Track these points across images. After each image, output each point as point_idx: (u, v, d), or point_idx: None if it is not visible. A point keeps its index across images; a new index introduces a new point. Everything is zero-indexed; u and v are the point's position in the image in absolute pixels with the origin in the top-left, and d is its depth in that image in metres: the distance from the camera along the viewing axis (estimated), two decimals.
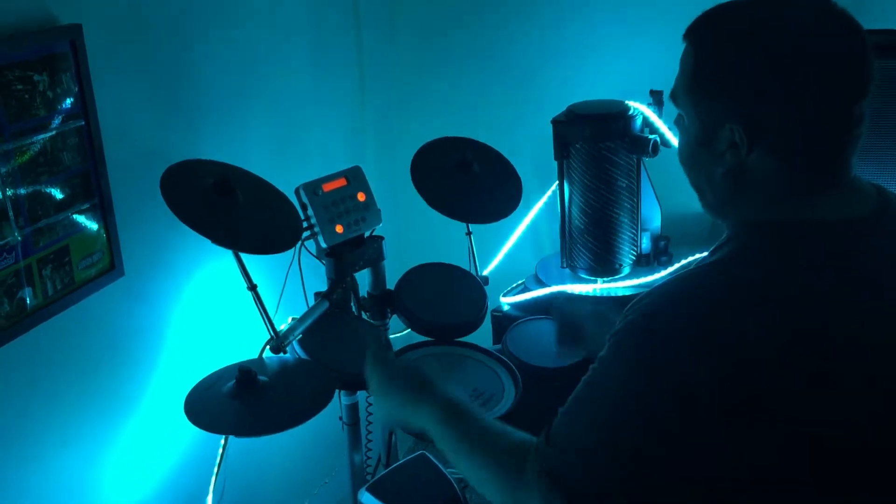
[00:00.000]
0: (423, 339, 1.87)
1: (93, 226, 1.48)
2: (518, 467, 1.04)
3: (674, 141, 2.10)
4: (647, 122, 2.07)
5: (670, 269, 2.14)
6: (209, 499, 1.61)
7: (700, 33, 1.03)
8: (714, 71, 0.99)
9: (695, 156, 1.06)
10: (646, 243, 2.18)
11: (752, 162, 0.99)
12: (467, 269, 1.99)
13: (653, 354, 0.94)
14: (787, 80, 0.94)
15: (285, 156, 2.07)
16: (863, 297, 0.96)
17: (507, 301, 2.18)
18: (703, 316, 0.94)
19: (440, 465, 1.72)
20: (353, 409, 1.82)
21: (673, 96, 1.08)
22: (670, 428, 0.92)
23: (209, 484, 1.60)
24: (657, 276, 2.12)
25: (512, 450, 1.07)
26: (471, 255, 2.00)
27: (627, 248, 2.13)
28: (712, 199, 1.08)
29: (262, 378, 1.47)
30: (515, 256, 2.33)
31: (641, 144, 2.00)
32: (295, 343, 1.62)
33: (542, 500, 1.00)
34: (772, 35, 0.96)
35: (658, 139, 2.01)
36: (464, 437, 1.12)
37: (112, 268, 1.53)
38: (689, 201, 2.48)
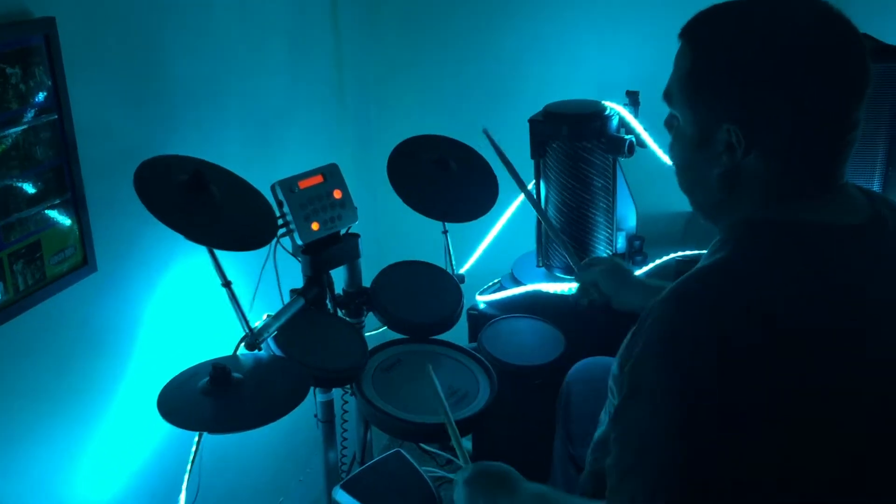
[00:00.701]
0: (398, 336, 1.87)
1: (65, 221, 1.47)
2: None
3: (649, 141, 2.12)
4: (623, 123, 2.09)
5: (645, 269, 2.16)
6: (182, 496, 1.60)
7: (697, 32, 1.01)
8: (713, 70, 0.98)
9: (689, 158, 1.05)
10: (621, 243, 2.20)
11: (748, 164, 0.98)
12: (443, 267, 2.00)
13: (672, 380, 0.92)
14: (787, 80, 0.94)
15: (261, 152, 2.07)
16: (863, 299, 0.96)
17: (482, 299, 2.19)
18: (709, 318, 0.93)
19: (415, 463, 1.72)
20: (328, 406, 1.82)
21: (667, 96, 1.06)
22: (687, 434, 0.90)
23: (182, 481, 1.59)
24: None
25: None
26: (447, 253, 2.00)
27: (603, 248, 2.15)
28: (705, 201, 1.06)
29: (236, 375, 1.47)
30: (491, 255, 2.34)
31: (617, 144, 2.01)
32: (270, 340, 1.61)
33: None
34: (772, 35, 0.95)
35: (634, 139, 2.03)
36: None
37: (84, 263, 1.52)
38: (664, 201, 2.52)
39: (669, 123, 1.09)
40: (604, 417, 1.24)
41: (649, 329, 0.96)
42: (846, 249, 0.98)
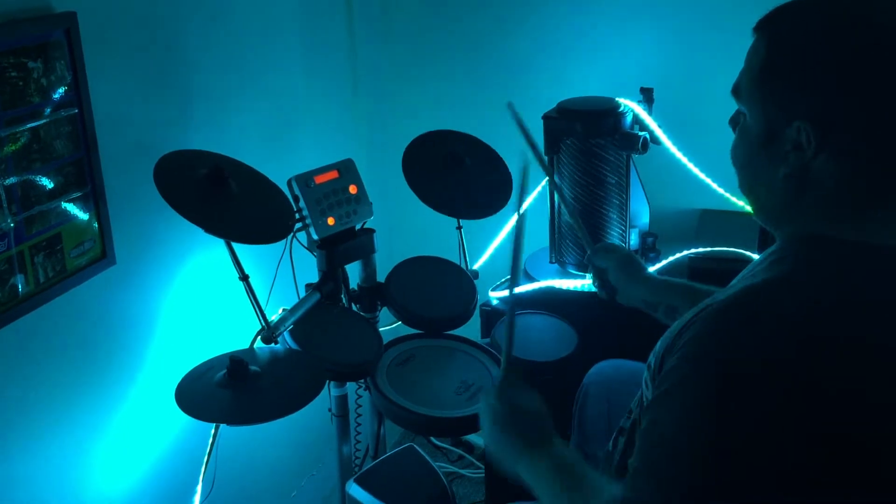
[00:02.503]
0: (412, 331, 1.88)
1: (85, 214, 1.48)
2: None
3: (663, 138, 2.12)
4: (636, 120, 2.09)
5: (658, 266, 2.16)
6: (199, 487, 1.61)
7: (776, 26, 0.99)
8: (789, 64, 0.96)
9: (754, 156, 1.01)
10: (634, 240, 2.20)
11: (818, 166, 0.95)
12: (457, 263, 2.01)
13: (728, 385, 0.89)
14: (867, 79, 0.92)
15: (278, 148, 2.08)
16: None
17: (496, 295, 2.20)
18: (772, 338, 0.89)
19: (428, 458, 1.74)
20: (343, 400, 1.83)
21: (735, 91, 1.03)
22: (752, 449, 0.87)
23: (199, 473, 1.61)
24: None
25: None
26: (461, 249, 2.01)
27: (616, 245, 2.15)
28: (768, 205, 1.03)
29: (253, 368, 1.48)
30: (505, 251, 2.35)
31: (631, 141, 2.01)
32: (286, 334, 1.63)
33: None
34: (853, 32, 0.93)
35: (648, 136, 2.03)
36: (564, 490, 1.06)
37: (104, 256, 1.53)
38: (678, 198, 2.52)
39: (735, 121, 1.06)
40: (634, 406, 1.23)
41: (698, 337, 0.93)
42: None
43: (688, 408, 0.91)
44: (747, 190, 1.07)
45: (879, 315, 0.92)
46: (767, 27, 1.00)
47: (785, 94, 0.96)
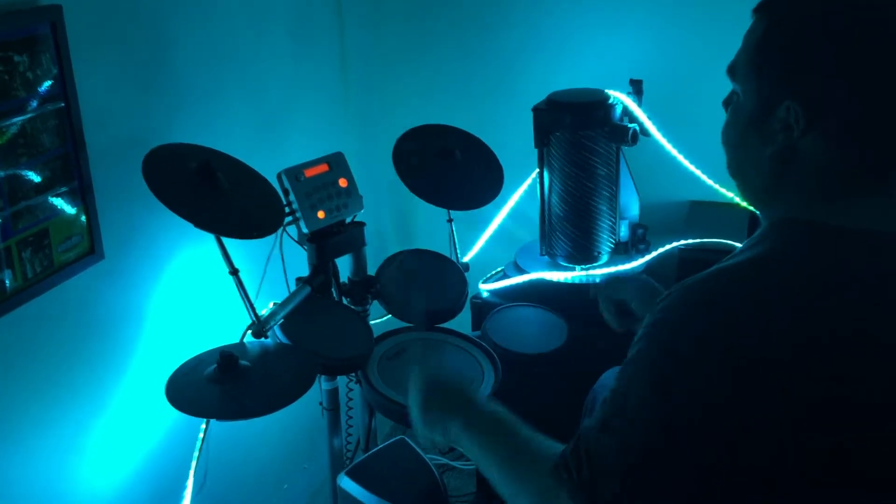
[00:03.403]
0: (403, 325, 1.88)
1: (72, 209, 1.47)
2: (555, 477, 0.99)
3: (653, 130, 2.12)
4: (626, 112, 2.09)
5: (647, 258, 2.17)
6: (189, 482, 1.61)
7: (776, 7, 1.00)
8: (786, 43, 0.97)
9: (744, 135, 1.03)
10: (624, 231, 2.21)
11: (804, 146, 0.96)
12: (448, 255, 2.01)
13: (676, 360, 0.93)
14: (859, 62, 0.93)
15: (267, 141, 2.07)
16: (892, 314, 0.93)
17: (486, 288, 2.20)
18: (730, 320, 0.92)
19: (419, 450, 1.74)
20: (334, 394, 1.83)
21: (731, 70, 1.04)
22: (696, 429, 0.91)
23: (189, 468, 1.61)
24: (635, 263, 2.15)
25: (546, 460, 1.03)
26: (451, 241, 2.01)
27: (606, 236, 2.15)
28: (756, 184, 1.04)
29: (243, 362, 1.48)
30: (495, 244, 2.35)
31: (621, 133, 2.01)
32: (276, 328, 1.62)
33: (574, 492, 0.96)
34: (851, 15, 0.94)
35: (637, 128, 2.03)
36: (497, 449, 1.10)
37: (92, 251, 1.52)
38: (668, 190, 2.53)
39: (728, 101, 1.07)
40: None
41: (664, 310, 0.96)
42: (887, 260, 0.96)
43: (639, 379, 0.95)
44: (735, 170, 1.08)
45: (850, 300, 0.93)
46: (767, 8, 1.01)
47: (779, 72, 0.98)
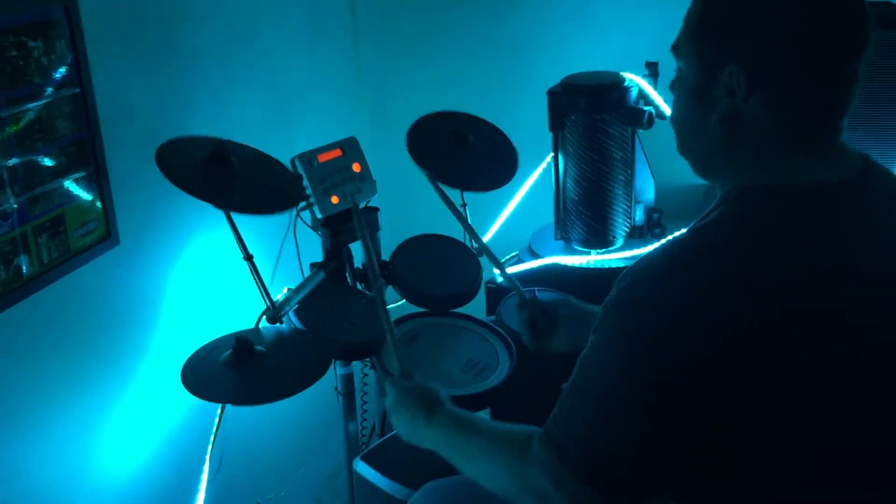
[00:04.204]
0: (418, 309, 1.88)
1: (88, 194, 1.47)
2: (523, 447, 1.06)
3: (668, 112, 2.10)
4: (642, 94, 2.07)
5: (662, 241, 2.15)
6: (206, 466, 1.62)
7: None
8: (723, 12, 1.00)
9: (690, 107, 1.05)
10: (639, 215, 2.19)
11: (748, 110, 0.98)
12: (462, 240, 2.00)
13: (638, 330, 0.94)
14: (789, 22, 0.95)
15: (280, 126, 2.07)
16: (858, 270, 0.96)
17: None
18: (686, 289, 0.93)
19: None
20: (349, 379, 1.83)
21: (674, 48, 1.07)
22: (659, 407, 0.93)
23: (206, 452, 1.61)
24: (650, 247, 2.13)
25: (516, 434, 1.10)
26: (465, 226, 1.99)
27: (621, 220, 2.14)
28: (705, 154, 1.06)
29: (258, 348, 1.48)
30: (510, 228, 2.34)
31: (636, 116, 2.00)
32: (291, 313, 1.62)
33: (549, 474, 1.01)
34: None
35: (653, 111, 2.01)
36: (469, 435, 1.17)
37: (107, 236, 1.53)
38: (683, 174, 2.47)
39: (673, 82, 1.10)
40: None
41: (629, 277, 0.98)
42: (840, 209, 0.98)
43: (608, 361, 0.97)
44: (684, 145, 1.10)
45: (812, 258, 0.94)
46: None
47: (718, 37, 1.00)
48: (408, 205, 2.57)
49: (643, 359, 0.94)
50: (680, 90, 1.08)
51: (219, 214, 1.47)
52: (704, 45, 1.02)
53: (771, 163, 1.00)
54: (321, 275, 1.70)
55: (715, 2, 1.01)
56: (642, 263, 0.99)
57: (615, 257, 2.13)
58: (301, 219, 1.75)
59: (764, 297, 0.91)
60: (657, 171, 2.19)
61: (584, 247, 2.15)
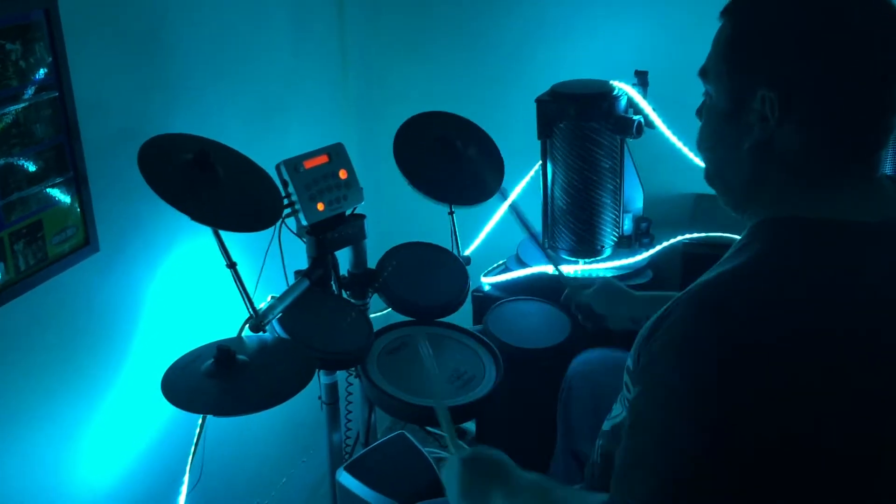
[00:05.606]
0: (403, 318, 1.86)
1: (66, 200, 1.45)
2: None
3: (657, 122, 2.10)
4: (631, 103, 2.06)
5: (651, 252, 2.14)
6: (185, 478, 1.59)
7: (739, 5, 1.00)
8: (755, 32, 0.97)
9: (720, 134, 1.02)
10: (627, 225, 2.18)
11: (781, 136, 0.95)
12: (449, 248, 1.98)
13: (688, 381, 0.89)
14: (829, 49, 0.92)
15: (265, 131, 2.04)
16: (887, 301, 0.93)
17: (487, 281, 2.17)
18: (736, 331, 0.89)
19: (419, 445, 1.72)
20: (333, 388, 1.81)
21: (703, 72, 1.04)
22: (737, 441, 0.87)
23: (186, 463, 1.59)
24: (638, 257, 2.13)
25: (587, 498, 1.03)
26: (453, 234, 1.98)
27: (609, 230, 2.13)
28: (736, 183, 1.03)
29: (240, 357, 1.45)
30: (497, 236, 2.32)
31: (625, 125, 1.99)
32: (275, 322, 1.60)
33: None
34: (818, 6, 0.94)
35: (642, 120, 2.00)
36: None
37: (87, 243, 1.50)
38: (672, 183, 2.50)
39: (701, 108, 1.06)
40: (617, 408, 1.22)
41: (670, 329, 0.93)
42: (875, 249, 0.95)
43: (663, 408, 0.91)
44: (714, 174, 1.07)
45: (850, 300, 0.92)
46: (733, 8, 1.01)
47: (750, 62, 0.97)
48: (394, 212, 2.55)
49: (688, 411, 0.89)
50: (708, 116, 1.04)
51: None
52: (735, 68, 0.98)
53: (806, 192, 0.97)
54: (306, 283, 1.68)
55: (746, 23, 0.98)
56: (680, 312, 0.94)
57: (603, 266, 2.12)
58: (286, 225, 1.72)
59: (795, 332, 0.88)
60: (646, 180, 2.18)
61: (572, 256, 2.14)
